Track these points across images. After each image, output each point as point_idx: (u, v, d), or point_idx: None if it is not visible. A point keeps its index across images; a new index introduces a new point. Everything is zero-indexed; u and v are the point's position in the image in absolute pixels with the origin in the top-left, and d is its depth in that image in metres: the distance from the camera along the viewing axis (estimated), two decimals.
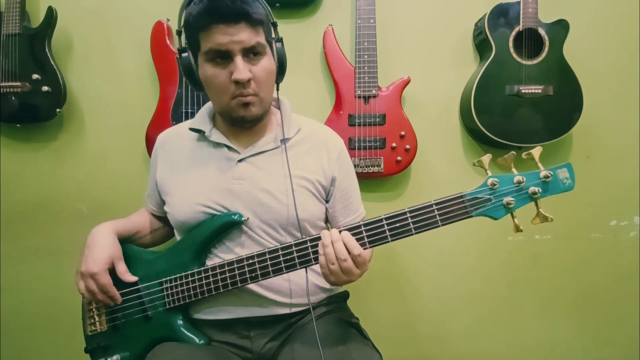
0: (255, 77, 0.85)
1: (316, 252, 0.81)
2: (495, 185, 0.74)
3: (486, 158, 0.75)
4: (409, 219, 0.77)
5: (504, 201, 0.74)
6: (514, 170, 0.75)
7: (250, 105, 0.87)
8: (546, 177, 0.72)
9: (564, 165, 0.73)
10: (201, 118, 1.00)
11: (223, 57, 0.83)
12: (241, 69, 0.82)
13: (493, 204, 0.74)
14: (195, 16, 0.81)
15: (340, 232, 0.79)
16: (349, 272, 0.77)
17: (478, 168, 0.76)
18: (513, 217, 0.75)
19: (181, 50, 0.88)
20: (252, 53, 0.84)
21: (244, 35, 0.81)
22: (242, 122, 0.90)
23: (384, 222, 0.78)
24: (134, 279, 0.94)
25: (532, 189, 0.73)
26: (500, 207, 0.74)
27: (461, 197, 0.75)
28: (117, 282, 0.93)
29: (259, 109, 0.89)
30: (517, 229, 0.74)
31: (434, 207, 0.76)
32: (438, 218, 0.76)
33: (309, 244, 0.82)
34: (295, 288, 0.94)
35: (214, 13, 0.80)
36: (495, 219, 0.75)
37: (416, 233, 0.77)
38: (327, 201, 1.00)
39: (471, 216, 0.75)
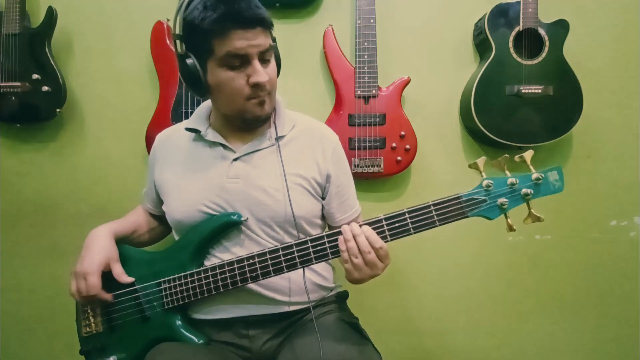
0: (269, 79, 0.88)
1: (317, 252, 0.82)
2: (490, 186, 0.77)
3: (480, 161, 0.77)
4: (408, 219, 0.79)
5: (498, 202, 0.77)
6: (507, 172, 0.78)
7: (264, 103, 0.90)
8: (537, 179, 0.76)
9: (554, 168, 0.77)
10: (197, 118, 1.00)
11: (241, 61, 0.84)
12: (261, 72, 0.85)
13: (488, 204, 0.77)
14: (211, 22, 0.81)
15: (360, 226, 0.80)
16: (374, 265, 0.78)
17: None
18: (506, 217, 0.78)
19: (184, 56, 0.86)
20: (264, 56, 0.87)
21: (260, 39, 0.84)
22: (255, 121, 0.92)
23: (383, 222, 0.80)
24: (130, 280, 0.94)
25: (524, 190, 0.76)
26: (495, 207, 0.77)
27: (458, 198, 0.78)
28: (115, 283, 0.93)
29: (270, 107, 0.92)
30: (511, 229, 0.77)
31: (432, 207, 0.79)
32: (436, 218, 0.79)
33: (309, 244, 0.83)
34: (293, 286, 0.94)
35: (232, 19, 0.81)
36: (490, 219, 0.78)
37: (415, 232, 0.80)
38: (323, 198, 1.00)
39: (467, 216, 0.78)
